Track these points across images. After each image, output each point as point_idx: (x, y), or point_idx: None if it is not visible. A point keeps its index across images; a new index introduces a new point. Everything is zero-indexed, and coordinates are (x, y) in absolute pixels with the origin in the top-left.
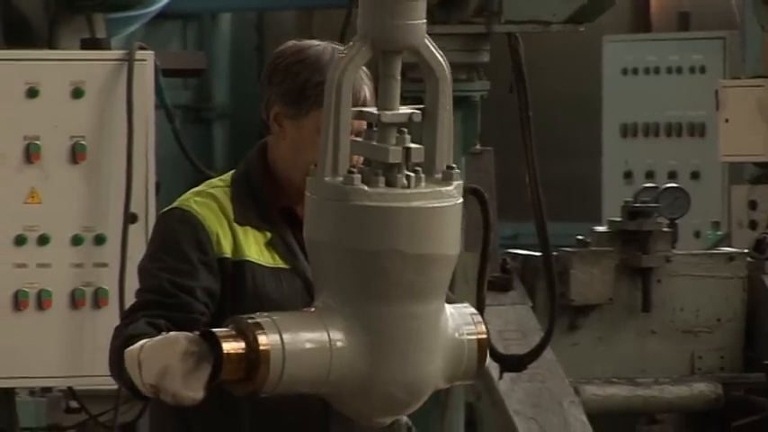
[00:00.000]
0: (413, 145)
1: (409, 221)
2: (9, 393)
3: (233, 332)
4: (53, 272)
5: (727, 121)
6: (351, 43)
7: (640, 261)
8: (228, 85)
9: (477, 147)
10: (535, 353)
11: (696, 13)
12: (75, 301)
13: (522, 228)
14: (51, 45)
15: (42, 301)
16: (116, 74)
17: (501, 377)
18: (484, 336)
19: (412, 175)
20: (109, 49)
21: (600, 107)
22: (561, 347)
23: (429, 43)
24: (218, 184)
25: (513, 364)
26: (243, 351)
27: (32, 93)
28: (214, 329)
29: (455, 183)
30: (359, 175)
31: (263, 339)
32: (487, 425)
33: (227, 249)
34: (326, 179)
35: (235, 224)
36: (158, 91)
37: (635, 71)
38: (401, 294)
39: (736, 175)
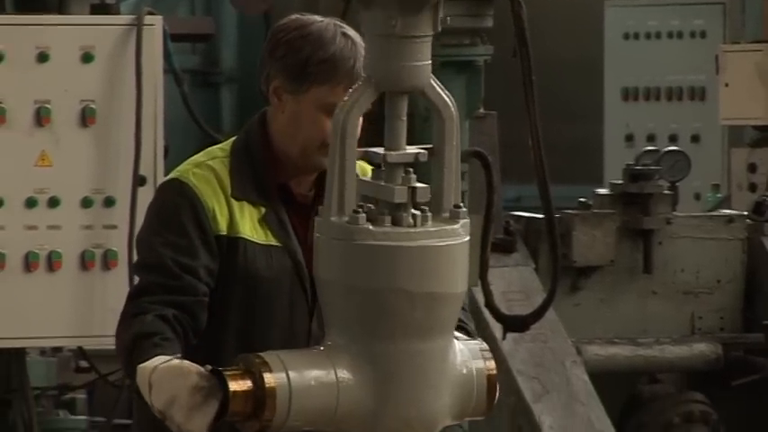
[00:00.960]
0: (419, 184)
1: (415, 260)
2: (20, 353)
3: (240, 370)
4: (63, 234)
5: (726, 85)
6: (356, 85)
7: (641, 223)
8: (236, 49)
9: (481, 111)
10: (538, 313)
11: None
12: (85, 262)
13: (525, 190)
14: (61, 10)
15: (53, 262)
16: (125, 39)
17: (504, 337)
18: (493, 372)
19: (418, 213)
20: (118, 14)
21: (602, 71)
22: (563, 308)
23: (435, 83)
24: (218, 155)
25: (516, 324)
26: (249, 389)
27: (43, 57)
28: (222, 369)
29: (462, 221)
30: (364, 215)
31: (269, 378)
32: None
33: (222, 226)
34: (333, 219)
35: (232, 199)
36: (167, 55)
37: (636, 36)
38: (408, 332)
39: (736, 139)
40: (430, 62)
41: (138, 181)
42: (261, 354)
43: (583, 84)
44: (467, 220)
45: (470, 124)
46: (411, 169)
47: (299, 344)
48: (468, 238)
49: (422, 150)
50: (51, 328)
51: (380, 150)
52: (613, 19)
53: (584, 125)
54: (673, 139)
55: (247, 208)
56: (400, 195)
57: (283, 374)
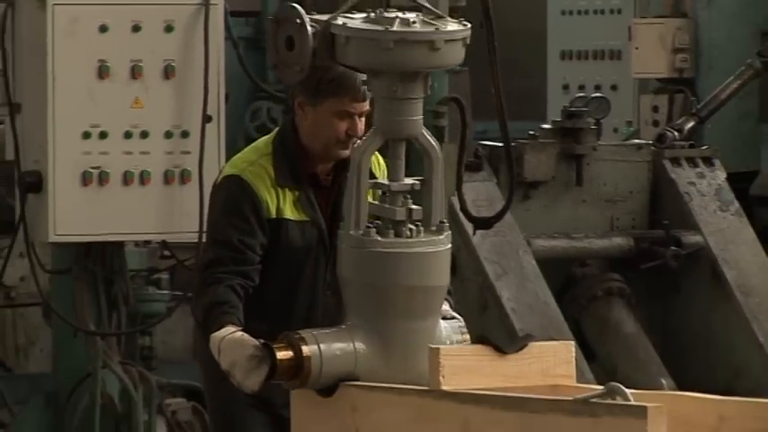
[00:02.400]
0: (414, 207)
1: (411, 263)
2: (120, 245)
3: (284, 344)
4: (151, 157)
5: (636, 48)
6: (370, 132)
7: (575, 149)
8: None
9: (457, 67)
10: (499, 216)
11: None
12: (168, 178)
13: (489, 125)
14: None
15: (144, 178)
16: (197, 14)
17: (474, 233)
18: (468, 343)
19: (413, 228)
20: None
21: (545, 38)
22: (517, 212)
23: (425, 133)
24: (264, 152)
25: (482, 223)
26: (291, 357)
27: (136, 28)
28: (271, 342)
29: (445, 233)
30: (374, 230)
31: (305, 349)
32: (464, 268)
33: (272, 212)
34: (351, 232)
35: (277, 187)
36: (227, 27)
37: (570, 12)
38: (406, 315)
39: (644, 87)
40: (422, 117)
41: (207, 119)
42: (299, 331)
43: (532, 48)
44: (449, 233)
45: (449, 78)
46: (408, 195)
47: (317, 289)
48: (449, 245)
49: (416, 182)
50: (143, 227)
51: (386, 181)
52: (554, 2)
53: (533, 78)
54: (597, 88)
55: (287, 192)
56: (400, 215)
57: (316, 347)
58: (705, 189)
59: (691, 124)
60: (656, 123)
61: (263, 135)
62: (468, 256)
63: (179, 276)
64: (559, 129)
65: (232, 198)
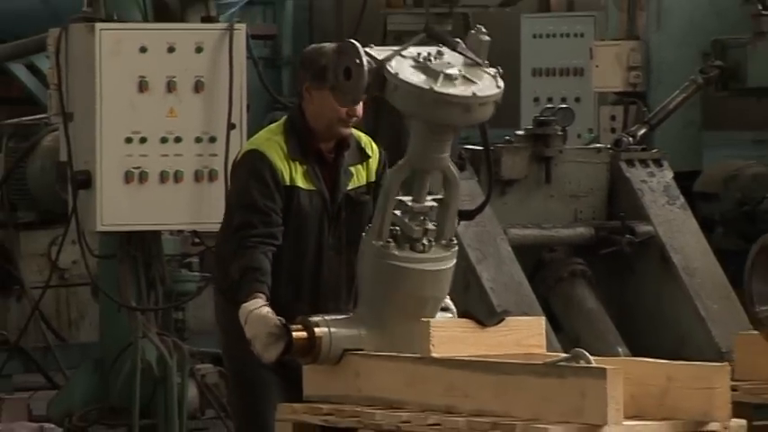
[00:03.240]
0: (430, 226)
1: (420, 277)
2: (157, 234)
3: (300, 325)
4: (184, 159)
5: (597, 66)
6: (399, 163)
7: (544, 152)
8: (291, 44)
9: None
10: (479, 209)
11: (579, 1)
12: (198, 177)
13: (471, 132)
14: (183, 20)
15: (177, 177)
16: (223, 38)
17: (458, 224)
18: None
19: (426, 243)
20: (218, 22)
21: (519, 58)
22: (496, 206)
23: (451, 165)
24: (277, 132)
25: (466, 215)
26: (305, 337)
27: (171, 49)
28: (289, 323)
29: (452, 250)
30: (394, 244)
31: (317, 331)
32: None
33: (286, 179)
34: (373, 242)
35: (289, 159)
36: (248, 48)
37: (541, 35)
38: (409, 315)
39: (603, 100)
40: (449, 153)
41: (231, 126)
42: (313, 316)
43: (507, 66)
44: (456, 249)
45: None
46: (426, 216)
47: (323, 250)
48: (454, 261)
49: (435, 203)
50: (176, 218)
51: (409, 201)
52: (526, 25)
53: (508, 92)
54: (563, 100)
55: (298, 165)
56: (418, 233)
57: (327, 329)
58: (655, 186)
59: (643, 131)
60: (613, 130)
61: None
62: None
63: (207, 260)
64: (531, 135)
65: (253, 168)
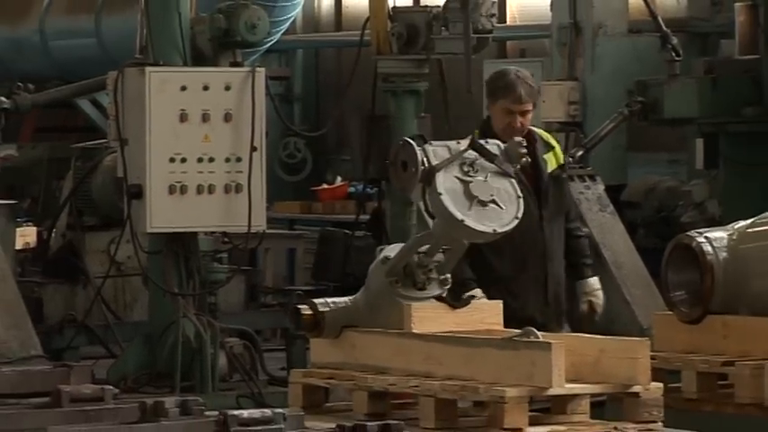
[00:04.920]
0: (433, 275)
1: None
2: (194, 234)
3: (307, 306)
4: (216, 175)
5: (544, 101)
6: (426, 233)
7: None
8: (301, 83)
9: (422, 114)
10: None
11: (529, 49)
12: (227, 189)
13: None
14: (215, 64)
15: (211, 190)
16: (246, 78)
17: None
18: None
19: (426, 281)
20: (242, 66)
21: (482, 93)
22: None
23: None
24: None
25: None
26: (312, 315)
27: (205, 88)
28: (299, 305)
29: (447, 285)
30: (400, 284)
31: (322, 310)
32: None
33: None
34: (385, 274)
35: None
36: (267, 87)
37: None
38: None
39: (549, 128)
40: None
41: (253, 149)
42: (320, 300)
43: (472, 100)
44: (449, 285)
45: (417, 121)
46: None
47: (532, 227)
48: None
49: (442, 260)
50: (210, 222)
51: (425, 250)
52: (488, 68)
53: (474, 121)
54: None
55: None
56: (421, 281)
57: (329, 309)
58: (590, 196)
59: (581, 153)
60: None
61: (292, 161)
62: None
63: (235, 255)
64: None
65: None
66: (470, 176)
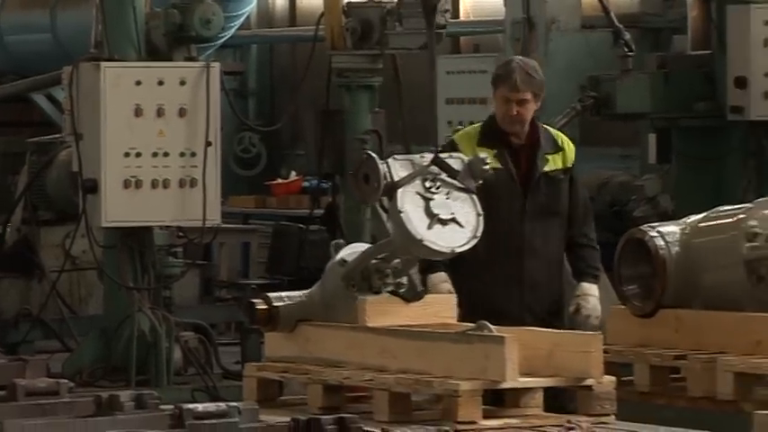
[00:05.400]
0: (389, 280)
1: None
2: (149, 229)
3: (263, 300)
4: (170, 170)
5: None
6: (383, 242)
7: None
8: (255, 78)
9: (376, 109)
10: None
11: (483, 44)
12: (182, 184)
13: (397, 148)
14: (170, 59)
15: (165, 184)
16: (201, 74)
17: (388, 220)
18: None
19: (381, 285)
20: (197, 61)
21: (436, 90)
22: None
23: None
24: (477, 127)
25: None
26: (267, 309)
27: (160, 83)
28: (254, 300)
29: (402, 290)
30: (355, 287)
31: (277, 304)
32: None
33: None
34: (342, 278)
35: (477, 146)
36: (221, 82)
37: (453, 72)
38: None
39: None
40: None
41: (208, 144)
42: (273, 294)
43: (426, 96)
44: (404, 288)
45: (371, 116)
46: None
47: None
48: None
49: (398, 266)
50: (165, 216)
51: (383, 257)
52: (442, 64)
53: (428, 117)
54: (471, 123)
55: (486, 150)
56: (377, 285)
57: (284, 303)
58: None
59: None
60: None
61: (247, 156)
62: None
63: (189, 249)
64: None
65: (442, 152)
66: (432, 193)
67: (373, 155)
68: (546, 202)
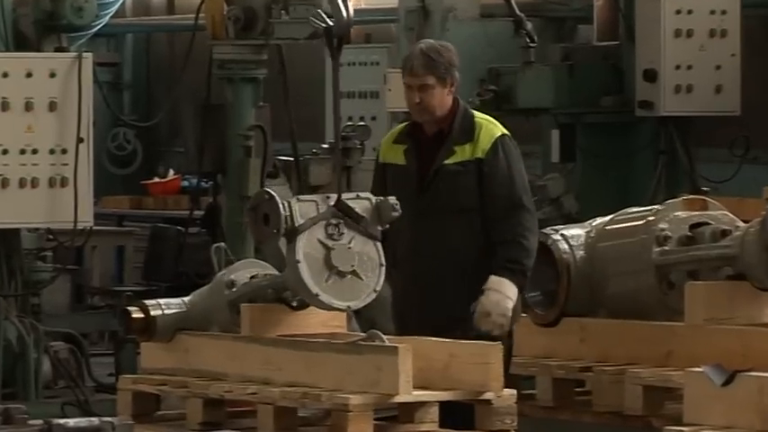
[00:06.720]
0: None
1: None
2: (16, 231)
3: (138, 308)
4: (40, 168)
5: (390, 90)
6: (275, 278)
7: (345, 162)
8: (131, 71)
9: (261, 103)
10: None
11: (375, 34)
12: (52, 183)
13: (284, 145)
14: (39, 49)
15: (34, 183)
16: (73, 65)
17: None
18: None
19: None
20: (68, 51)
21: (324, 83)
22: None
23: None
24: (400, 126)
25: None
26: (143, 318)
27: (29, 74)
28: (128, 307)
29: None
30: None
31: (153, 313)
32: None
33: (380, 159)
34: (224, 304)
35: (392, 143)
36: (94, 73)
37: (354, 64)
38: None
39: (395, 118)
40: None
41: (79, 140)
42: (150, 301)
43: (314, 89)
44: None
45: (255, 110)
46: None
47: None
48: None
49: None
50: (33, 218)
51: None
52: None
53: (315, 111)
54: (362, 118)
55: (399, 147)
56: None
57: (160, 311)
58: None
59: None
60: None
61: (121, 153)
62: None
63: (60, 253)
64: (334, 147)
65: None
66: (334, 240)
67: (274, 194)
68: (444, 198)
